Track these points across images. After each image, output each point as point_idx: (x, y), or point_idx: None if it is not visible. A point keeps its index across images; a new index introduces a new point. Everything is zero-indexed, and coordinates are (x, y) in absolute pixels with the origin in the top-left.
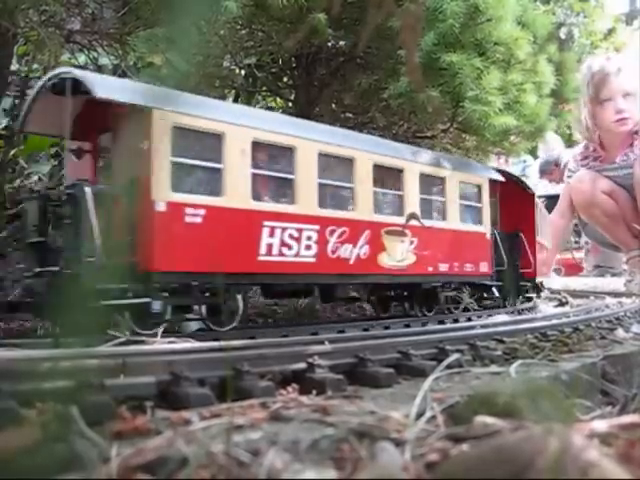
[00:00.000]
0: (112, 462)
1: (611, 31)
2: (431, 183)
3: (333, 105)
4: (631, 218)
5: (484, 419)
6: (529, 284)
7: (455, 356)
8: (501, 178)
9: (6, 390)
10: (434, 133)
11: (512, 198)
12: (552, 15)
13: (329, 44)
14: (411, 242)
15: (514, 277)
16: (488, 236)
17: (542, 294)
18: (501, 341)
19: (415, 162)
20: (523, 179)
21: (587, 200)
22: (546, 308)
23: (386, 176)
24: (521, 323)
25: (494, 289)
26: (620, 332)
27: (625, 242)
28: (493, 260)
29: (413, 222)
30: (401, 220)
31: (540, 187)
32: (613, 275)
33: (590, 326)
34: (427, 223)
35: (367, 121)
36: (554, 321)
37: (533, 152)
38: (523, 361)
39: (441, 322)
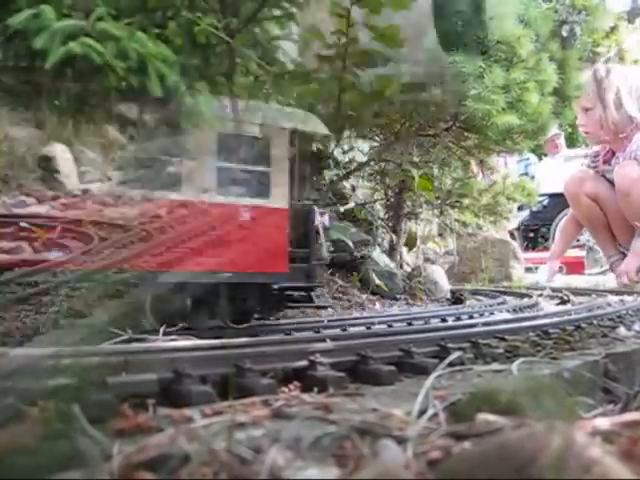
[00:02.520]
0: (114, 459)
1: (613, 29)
2: None
3: None
4: (616, 223)
5: (486, 417)
6: None
7: (457, 354)
8: None
9: (8, 387)
10: (436, 131)
11: None
12: (554, 13)
13: None
14: None
15: None
16: None
17: None
18: (503, 339)
19: None
20: None
21: (571, 199)
22: (548, 306)
23: None
24: (523, 321)
25: None
26: (622, 330)
27: (603, 247)
28: None
29: None
30: None
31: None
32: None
33: (592, 324)
34: None
35: None
36: (556, 319)
37: (536, 150)
38: (525, 359)
39: (443, 320)
